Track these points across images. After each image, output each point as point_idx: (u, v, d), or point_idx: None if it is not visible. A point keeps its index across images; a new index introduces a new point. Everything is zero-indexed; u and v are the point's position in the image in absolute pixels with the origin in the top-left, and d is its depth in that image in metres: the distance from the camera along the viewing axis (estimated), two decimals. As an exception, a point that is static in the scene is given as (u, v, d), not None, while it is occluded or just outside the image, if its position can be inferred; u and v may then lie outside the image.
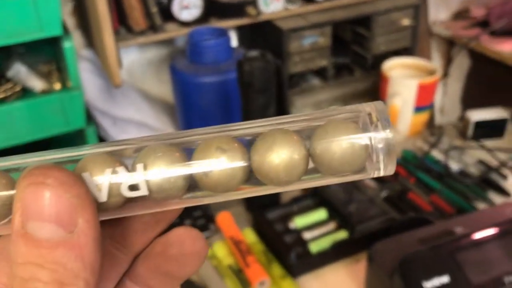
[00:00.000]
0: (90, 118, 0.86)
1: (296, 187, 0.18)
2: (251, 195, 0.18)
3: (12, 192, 0.15)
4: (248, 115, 0.70)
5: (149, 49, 1.01)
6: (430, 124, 1.02)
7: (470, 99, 1.29)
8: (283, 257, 0.68)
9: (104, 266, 0.19)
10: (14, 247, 0.14)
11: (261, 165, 0.17)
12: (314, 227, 0.72)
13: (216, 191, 0.17)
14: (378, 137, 0.17)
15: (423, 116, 0.97)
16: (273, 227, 0.71)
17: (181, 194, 0.17)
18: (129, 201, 0.17)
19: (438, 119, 1.22)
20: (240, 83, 0.68)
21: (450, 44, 1.28)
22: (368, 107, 0.19)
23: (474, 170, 0.84)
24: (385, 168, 0.18)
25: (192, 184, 0.17)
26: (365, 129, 0.18)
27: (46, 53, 0.91)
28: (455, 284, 0.55)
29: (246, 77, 0.66)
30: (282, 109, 0.93)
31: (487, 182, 0.81)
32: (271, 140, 0.17)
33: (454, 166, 0.85)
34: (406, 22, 1.00)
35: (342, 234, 0.70)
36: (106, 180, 0.16)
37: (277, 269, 0.67)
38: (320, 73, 1.01)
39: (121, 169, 0.16)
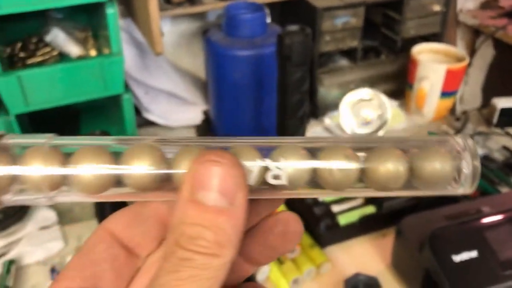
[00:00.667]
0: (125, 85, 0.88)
1: (393, 194, 0.21)
2: (355, 195, 0.21)
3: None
4: (284, 89, 0.72)
5: (181, 21, 1.02)
6: (451, 111, 1.03)
7: (492, 89, 1.30)
8: (312, 228, 0.70)
9: None
10: (183, 210, 0.17)
11: (374, 171, 0.19)
12: (342, 201, 0.73)
13: (333, 187, 0.20)
14: (467, 164, 0.20)
15: (449, 102, 0.98)
16: (303, 199, 0.73)
17: (302, 186, 0.20)
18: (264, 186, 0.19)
19: (458, 108, 1.23)
20: (278, 56, 0.70)
21: (475, 33, 1.28)
22: (459, 139, 0.21)
23: (498, 155, 0.86)
24: (465, 190, 0.20)
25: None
26: (455, 157, 0.20)
27: (81, 20, 0.92)
28: (483, 259, 0.57)
29: (285, 51, 0.68)
30: (311, 87, 0.95)
31: (510, 167, 0.83)
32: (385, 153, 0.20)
33: (479, 151, 0.86)
34: (437, 7, 1.00)
35: (370, 209, 0.72)
36: (257, 166, 0.19)
37: (306, 239, 0.69)
38: (349, 53, 1.02)
39: (268, 160, 0.19)
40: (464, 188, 0.20)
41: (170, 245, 0.17)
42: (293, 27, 0.70)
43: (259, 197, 0.20)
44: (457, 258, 0.57)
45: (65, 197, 0.19)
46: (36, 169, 0.18)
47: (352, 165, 0.19)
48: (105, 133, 0.65)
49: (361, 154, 0.20)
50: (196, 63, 1.06)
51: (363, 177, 0.19)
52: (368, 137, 0.22)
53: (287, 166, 0.19)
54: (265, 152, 0.19)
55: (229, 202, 0.16)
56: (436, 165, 0.19)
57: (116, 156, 0.19)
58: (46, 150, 0.19)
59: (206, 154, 0.17)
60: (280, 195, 0.20)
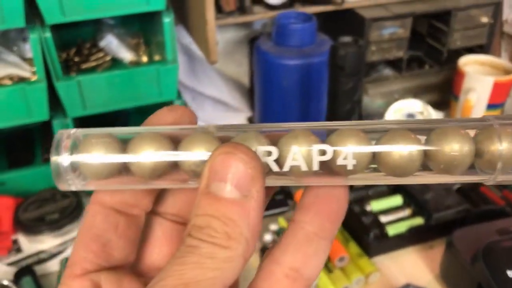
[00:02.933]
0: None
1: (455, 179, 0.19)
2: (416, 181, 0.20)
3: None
4: (335, 98, 0.73)
5: (228, 29, 1.04)
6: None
7: (535, 102, 1.28)
8: (360, 237, 0.70)
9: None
10: (197, 202, 0.17)
11: (438, 153, 0.18)
12: (390, 211, 0.74)
13: (393, 173, 0.19)
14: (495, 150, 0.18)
15: (495, 114, 0.97)
16: (351, 208, 0.73)
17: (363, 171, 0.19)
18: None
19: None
20: (331, 66, 0.71)
21: (519, 45, 1.27)
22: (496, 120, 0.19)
23: (546, 170, 0.85)
24: (495, 179, 0.19)
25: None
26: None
27: (133, 26, 0.95)
28: (537, 274, 0.57)
29: (339, 61, 0.69)
30: (356, 96, 0.95)
31: (560, 182, 0.82)
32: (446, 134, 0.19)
33: (527, 164, 0.85)
34: (485, 19, 1.00)
35: (418, 221, 0.72)
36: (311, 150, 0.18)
37: (354, 248, 0.70)
38: (393, 63, 1.02)
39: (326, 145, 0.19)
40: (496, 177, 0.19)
41: (183, 237, 0.17)
42: (347, 38, 0.71)
43: (317, 183, 0.19)
44: (512, 273, 0.57)
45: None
46: (148, 156, 0.19)
47: (417, 147, 0.18)
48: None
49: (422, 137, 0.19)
50: (241, 71, 1.08)
51: (425, 160, 0.18)
52: (424, 120, 0.20)
53: (350, 149, 0.18)
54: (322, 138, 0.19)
55: (243, 194, 0.16)
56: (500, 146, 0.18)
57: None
58: (154, 136, 0.19)
59: (221, 147, 0.17)
60: (342, 182, 0.19)
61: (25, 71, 0.77)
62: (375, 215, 0.73)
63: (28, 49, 0.78)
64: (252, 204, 0.17)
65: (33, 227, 0.73)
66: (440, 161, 0.18)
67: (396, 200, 0.76)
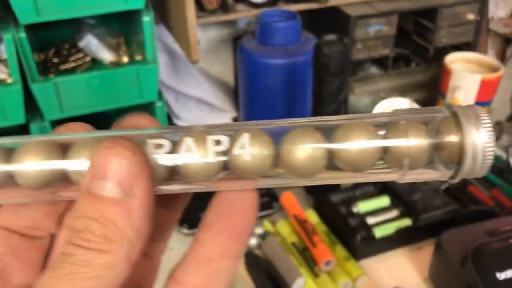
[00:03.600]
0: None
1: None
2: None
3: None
4: (320, 98, 0.71)
5: (211, 28, 1.02)
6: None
7: (522, 99, 1.28)
8: (347, 240, 0.69)
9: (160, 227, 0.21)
10: (77, 203, 0.16)
11: (342, 152, 0.17)
12: (377, 213, 0.72)
13: (297, 173, 0.18)
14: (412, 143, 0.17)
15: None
16: (338, 210, 0.72)
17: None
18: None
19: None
20: (315, 65, 0.69)
21: (506, 42, 1.26)
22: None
23: (535, 168, 0.84)
24: (404, 176, 0.18)
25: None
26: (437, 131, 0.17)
27: (114, 26, 0.92)
28: (528, 277, 0.56)
29: (323, 60, 0.67)
30: (342, 96, 0.94)
31: (548, 181, 0.81)
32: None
33: (515, 163, 0.84)
34: (471, 16, 0.99)
35: (406, 222, 0.70)
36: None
37: (340, 251, 0.68)
38: (379, 61, 1.01)
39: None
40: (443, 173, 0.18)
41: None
42: (331, 37, 0.69)
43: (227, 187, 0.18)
44: (501, 275, 0.56)
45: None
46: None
47: (319, 146, 0.17)
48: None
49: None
50: (225, 70, 1.06)
51: (332, 158, 0.17)
52: (334, 117, 0.19)
53: (246, 137, 0.17)
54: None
55: (124, 192, 0.15)
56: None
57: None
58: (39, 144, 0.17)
59: (102, 143, 0.15)
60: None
61: (1, 73, 0.75)
62: (362, 216, 0.72)
63: (3, 50, 0.75)
64: (135, 203, 0.15)
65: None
66: (344, 159, 0.17)
67: (384, 201, 0.74)
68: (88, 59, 0.89)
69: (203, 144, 0.17)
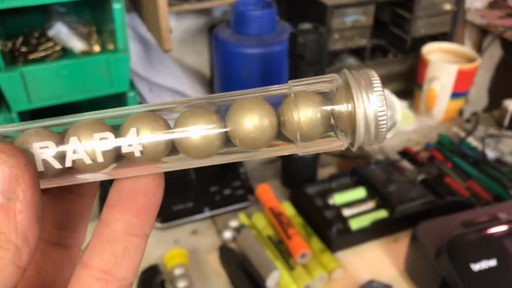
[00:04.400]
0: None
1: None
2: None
3: None
4: (295, 88, 0.70)
5: (186, 17, 1.00)
6: (459, 113, 1.01)
7: (498, 90, 1.28)
8: (322, 232, 0.68)
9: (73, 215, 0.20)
10: None
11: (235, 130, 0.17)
12: (353, 204, 0.72)
13: (196, 155, 0.17)
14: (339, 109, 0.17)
15: (459, 103, 0.96)
16: (314, 202, 0.71)
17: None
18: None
19: (464, 109, 1.21)
20: (290, 55, 0.68)
21: (482, 33, 1.26)
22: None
23: (510, 158, 0.84)
24: (299, 149, 0.18)
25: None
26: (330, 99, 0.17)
27: (85, 14, 0.90)
28: (502, 268, 0.56)
29: (298, 49, 0.66)
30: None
31: (523, 171, 0.81)
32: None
33: (490, 154, 0.84)
34: (448, 6, 0.98)
35: (382, 214, 0.70)
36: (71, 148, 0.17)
37: (316, 243, 0.67)
38: (357, 52, 1.00)
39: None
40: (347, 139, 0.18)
41: None
42: (306, 25, 0.68)
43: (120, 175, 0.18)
44: (476, 266, 0.55)
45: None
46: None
47: (210, 127, 0.17)
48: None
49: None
50: (201, 60, 1.04)
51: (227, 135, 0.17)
52: (228, 94, 0.18)
53: (132, 135, 0.17)
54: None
55: (5, 197, 0.15)
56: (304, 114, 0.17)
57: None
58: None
59: None
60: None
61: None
62: (338, 208, 0.71)
63: (-33, 38, 0.72)
64: (18, 206, 0.15)
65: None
66: (238, 137, 0.17)
67: (359, 192, 0.73)
68: (58, 48, 0.86)
69: (90, 146, 0.16)
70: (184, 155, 0.17)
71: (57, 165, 0.16)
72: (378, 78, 0.17)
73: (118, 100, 0.84)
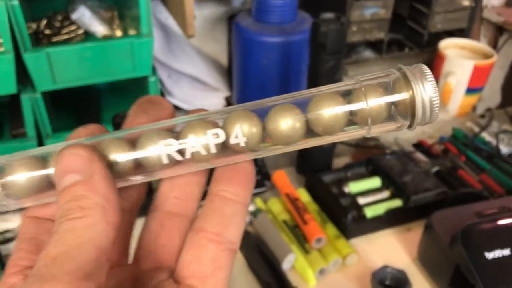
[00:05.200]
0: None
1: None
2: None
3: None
4: (315, 78, 0.71)
5: (206, 6, 1.01)
6: (473, 109, 1.02)
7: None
8: (338, 219, 0.69)
9: None
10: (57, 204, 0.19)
11: (317, 119, 0.21)
12: (368, 193, 0.73)
13: (283, 142, 0.21)
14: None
15: (474, 98, 0.97)
16: (329, 189, 0.72)
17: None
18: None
19: (478, 105, 1.22)
20: (312, 44, 0.69)
21: (498, 31, 1.27)
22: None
23: (523, 154, 0.85)
24: (370, 131, 0.21)
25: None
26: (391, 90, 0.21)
27: (107, -1, 0.91)
28: (515, 257, 0.57)
29: (320, 38, 0.67)
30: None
31: (536, 167, 0.82)
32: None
33: (504, 149, 0.85)
34: (466, 2, 0.99)
35: (396, 203, 0.71)
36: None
37: (331, 229, 0.69)
38: (373, 45, 1.01)
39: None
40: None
41: None
42: (329, 15, 0.68)
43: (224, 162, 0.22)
44: (490, 255, 0.56)
45: None
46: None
47: (299, 118, 0.20)
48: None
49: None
50: (219, 49, 1.06)
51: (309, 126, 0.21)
52: (305, 92, 0.22)
53: (238, 129, 0.20)
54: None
55: (85, 175, 0.18)
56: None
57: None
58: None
59: (62, 149, 0.19)
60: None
61: (-9, 42, 0.73)
62: (353, 196, 0.72)
63: (-5, 19, 0.74)
64: (96, 178, 0.18)
65: None
66: (320, 125, 0.21)
67: (375, 182, 0.75)
68: (80, 31, 0.87)
69: (204, 141, 0.20)
70: (274, 144, 0.21)
71: (178, 157, 0.20)
72: (429, 71, 0.20)
73: (138, 85, 0.86)
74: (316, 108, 0.20)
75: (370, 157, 0.78)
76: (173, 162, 0.21)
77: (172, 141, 0.20)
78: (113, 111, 0.93)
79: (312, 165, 0.79)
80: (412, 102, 0.20)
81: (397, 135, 0.89)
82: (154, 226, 0.23)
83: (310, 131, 0.21)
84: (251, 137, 0.20)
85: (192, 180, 0.23)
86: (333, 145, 0.79)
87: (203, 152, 0.20)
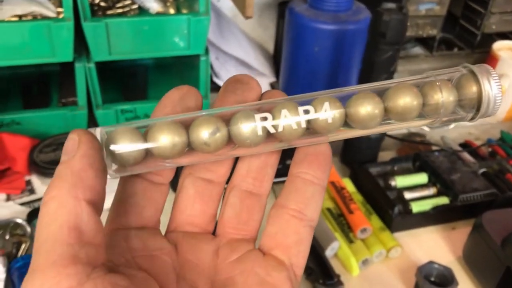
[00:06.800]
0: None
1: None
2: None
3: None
4: (371, 67, 0.70)
5: (257, -10, 1.00)
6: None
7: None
8: (383, 211, 0.69)
9: None
10: None
11: (394, 107, 0.23)
12: (415, 188, 0.72)
13: (361, 126, 0.23)
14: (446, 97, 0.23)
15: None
16: (376, 181, 0.71)
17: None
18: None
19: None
20: (371, 33, 0.68)
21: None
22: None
23: None
24: (441, 120, 0.24)
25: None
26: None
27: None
28: None
29: (382, 27, 0.66)
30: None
31: None
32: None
33: (554, 156, 0.83)
34: (524, 4, 0.97)
35: (443, 200, 0.70)
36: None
37: (376, 221, 0.68)
38: (423, 42, 1.00)
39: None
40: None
41: None
42: (391, 5, 0.68)
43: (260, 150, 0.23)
44: (543, 258, 0.55)
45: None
46: (166, 141, 0.22)
47: (378, 106, 0.22)
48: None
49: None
50: (266, 35, 1.05)
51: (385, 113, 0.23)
52: (382, 82, 0.24)
53: (327, 107, 0.22)
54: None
55: (69, 156, 0.19)
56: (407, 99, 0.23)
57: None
58: (170, 123, 0.22)
59: (70, 133, 0.20)
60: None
61: (49, 10, 0.74)
62: (399, 190, 0.71)
63: (56, -13, 0.74)
64: (75, 157, 0.19)
65: (47, 170, 0.71)
66: (395, 113, 0.23)
67: (422, 178, 0.74)
68: (135, 6, 0.88)
69: (295, 114, 0.22)
70: (351, 128, 0.23)
71: (272, 130, 0.22)
72: (494, 70, 0.23)
73: (187, 64, 0.86)
74: (394, 97, 0.22)
75: (418, 152, 0.77)
76: (265, 136, 0.22)
77: (267, 114, 0.22)
78: (160, 88, 0.93)
79: (358, 156, 0.78)
80: (479, 97, 0.22)
81: (444, 133, 0.88)
82: (234, 202, 0.25)
83: (385, 117, 0.23)
84: (335, 117, 0.22)
85: (268, 162, 0.25)
86: (381, 138, 0.78)
87: (294, 126, 0.22)
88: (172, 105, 0.23)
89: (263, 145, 0.23)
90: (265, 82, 0.98)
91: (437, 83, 0.22)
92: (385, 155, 0.82)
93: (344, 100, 0.23)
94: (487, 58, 0.95)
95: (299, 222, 0.23)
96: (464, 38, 1.01)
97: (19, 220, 0.62)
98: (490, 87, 0.22)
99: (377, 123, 0.23)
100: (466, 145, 0.85)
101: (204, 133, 0.22)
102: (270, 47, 1.05)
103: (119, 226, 0.23)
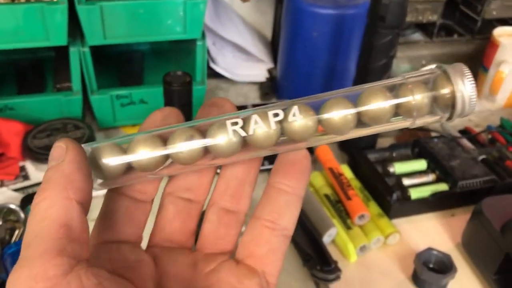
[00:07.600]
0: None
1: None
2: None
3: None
4: (369, 52, 0.69)
5: (255, -25, 0.99)
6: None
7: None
8: (382, 197, 0.68)
9: None
10: None
11: (367, 111, 0.23)
12: (414, 175, 0.71)
13: (335, 132, 0.23)
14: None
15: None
16: (374, 168, 0.71)
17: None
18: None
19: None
20: (371, 17, 0.67)
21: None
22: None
23: None
24: (415, 123, 0.24)
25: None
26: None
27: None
28: None
29: (381, 10, 0.65)
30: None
31: None
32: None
33: (554, 143, 0.82)
34: (525, -10, 0.96)
35: (442, 187, 0.69)
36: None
37: (374, 207, 0.67)
38: (424, 28, 0.98)
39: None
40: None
41: None
42: (390, -12, 0.66)
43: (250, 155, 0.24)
44: (543, 244, 0.55)
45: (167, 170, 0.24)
46: (144, 154, 0.23)
47: (351, 111, 0.23)
48: (186, 73, 0.63)
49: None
50: (263, 20, 1.04)
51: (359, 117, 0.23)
52: (356, 87, 0.24)
53: (296, 109, 0.23)
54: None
55: (57, 161, 0.20)
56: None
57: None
58: (147, 137, 0.23)
59: (56, 141, 0.22)
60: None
61: (43, -7, 0.73)
62: (398, 177, 0.71)
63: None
64: (65, 162, 0.20)
65: (41, 155, 0.70)
66: (369, 116, 0.23)
67: (421, 164, 0.73)
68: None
69: (266, 118, 0.23)
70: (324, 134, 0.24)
71: (243, 133, 0.23)
72: (468, 70, 0.23)
73: (184, 49, 0.84)
74: (366, 101, 0.23)
75: (417, 139, 0.77)
76: (239, 142, 0.23)
77: (238, 120, 0.23)
78: (156, 74, 0.92)
79: (356, 143, 0.77)
80: (453, 97, 0.22)
81: (443, 120, 0.87)
82: (212, 219, 0.26)
83: (359, 121, 0.23)
84: (306, 124, 0.22)
85: (246, 180, 0.26)
86: (380, 124, 0.77)
87: (264, 129, 0.22)
88: (154, 125, 0.24)
89: (240, 153, 0.23)
90: (263, 68, 0.97)
91: (409, 86, 0.23)
92: (384, 142, 0.81)
93: (317, 105, 0.23)
94: (488, 44, 0.94)
95: (271, 232, 0.24)
96: (464, 24, 1.00)
97: (12, 206, 0.61)
98: (464, 87, 0.22)
99: (350, 128, 0.23)
100: (465, 132, 0.84)
101: (178, 141, 0.22)
102: (268, 32, 1.03)
103: (102, 240, 0.24)
